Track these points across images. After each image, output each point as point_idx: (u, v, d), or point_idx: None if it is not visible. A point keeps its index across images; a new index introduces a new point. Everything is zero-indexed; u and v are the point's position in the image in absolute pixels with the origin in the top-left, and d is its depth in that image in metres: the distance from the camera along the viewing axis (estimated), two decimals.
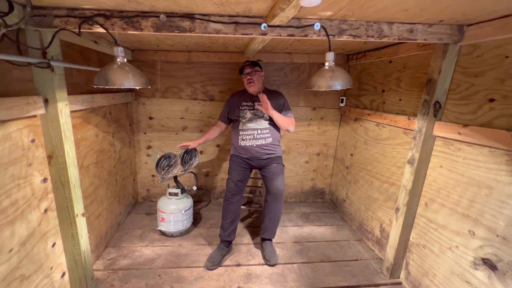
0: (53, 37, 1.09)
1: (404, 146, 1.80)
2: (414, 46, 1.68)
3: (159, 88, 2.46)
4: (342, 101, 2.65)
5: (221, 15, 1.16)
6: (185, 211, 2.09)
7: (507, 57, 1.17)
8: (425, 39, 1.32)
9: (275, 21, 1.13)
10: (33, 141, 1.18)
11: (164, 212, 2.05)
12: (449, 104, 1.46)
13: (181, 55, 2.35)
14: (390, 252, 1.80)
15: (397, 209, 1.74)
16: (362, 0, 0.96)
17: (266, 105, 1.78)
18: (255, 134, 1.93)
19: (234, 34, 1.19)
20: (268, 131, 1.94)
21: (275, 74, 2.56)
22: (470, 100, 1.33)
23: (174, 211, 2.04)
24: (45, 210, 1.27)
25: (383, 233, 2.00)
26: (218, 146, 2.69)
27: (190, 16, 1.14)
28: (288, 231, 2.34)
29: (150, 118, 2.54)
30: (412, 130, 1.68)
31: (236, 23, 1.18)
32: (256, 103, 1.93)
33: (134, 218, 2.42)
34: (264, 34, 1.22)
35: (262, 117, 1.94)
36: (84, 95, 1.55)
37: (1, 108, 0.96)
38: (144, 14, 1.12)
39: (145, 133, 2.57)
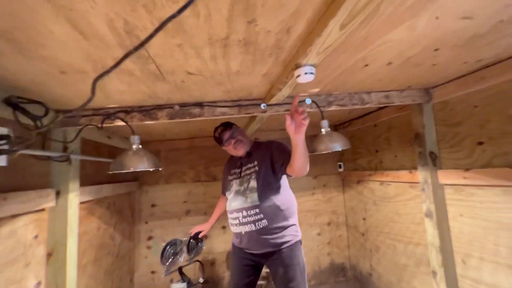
0: (79, 132, 1.21)
1: (415, 200, 1.77)
2: (393, 109, 1.92)
3: (163, 175, 2.52)
4: (340, 166, 2.75)
5: (226, 101, 1.35)
6: None
7: (476, 106, 1.35)
8: (401, 102, 1.54)
9: (273, 101, 1.32)
10: (36, 237, 1.11)
11: None
12: (443, 153, 1.55)
13: (184, 143, 2.54)
14: None
15: (434, 273, 1.54)
16: (343, 77, 1.18)
17: (299, 117, 1.03)
18: (240, 217, 1.41)
19: (239, 114, 1.36)
20: (258, 209, 1.36)
21: None
22: (460, 146, 1.44)
23: None
24: None
25: None
26: (224, 228, 2.55)
27: (199, 104, 1.32)
28: None
29: (153, 205, 2.48)
30: (417, 183, 1.70)
31: (239, 106, 1.36)
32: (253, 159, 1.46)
33: None
34: (264, 112, 1.39)
35: (247, 188, 1.41)
36: (92, 186, 1.57)
37: (15, 201, 0.95)
38: (160, 107, 1.30)
39: (146, 222, 2.45)
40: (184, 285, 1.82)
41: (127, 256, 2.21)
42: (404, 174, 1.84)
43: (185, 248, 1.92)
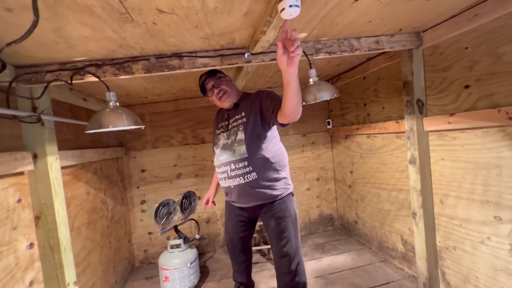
0: (45, 88, 1.11)
1: (401, 149, 1.83)
2: (381, 59, 1.86)
3: (149, 139, 2.46)
4: (328, 123, 2.75)
5: (207, 50, 1.25)
6: (190, 263, 1.87)
7: (466, 48, 1.31)
8: (391, 47, 1.47)
9: (257, 48, 1.23)
10: (19, 201, 1.08)
11: (167, 269, 1.82)
12: (430, 100, 1.55)
13: (168, 105, 2.43)
14: (421, 264, 1.64)
15: (414, 214, 1.66)
16: (331, 16, 1.09)
17: (291, 46, 0.84)
18: (228, 170, 1.36)
19: (221, 66, 1.27)
20: (247, 162, 1.31)
21: None
22: (447, 91, 1.43)
23: (178, 265, 1.82)
24: (31, 283, 1.09)
25: (406, 246, 1.86)
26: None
27: (178, 55, 1.22)
28: (306, 267, 2.11)
29: (143, 170, 2.46)
30: (404, 132, 1.73)
31: (222, 55, 1.26)
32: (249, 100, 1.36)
33: (132, 286, 2.12)
34: (249, 62, 1.31)
35: (235, 141, 1.35)
36: (74, 150, 1.51)
37: None
38: (135, 59, 1.18)
39: (138, 187, 2.45)
40: (181, 241, 1.90)
41: (122, 220, 2.25)
42: (390, 125, 1.86)
43: (178, 208, 1.96)
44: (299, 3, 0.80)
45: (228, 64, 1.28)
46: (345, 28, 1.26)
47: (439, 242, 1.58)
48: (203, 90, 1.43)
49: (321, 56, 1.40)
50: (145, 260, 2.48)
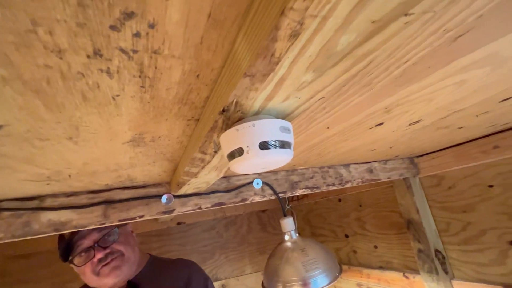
0: None
1: None
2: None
3: None
4: None
5: (71, 194, 0.57)
6: None
7: (491, 186, 0.94)
8: (388, 177, 1.05)
9: (186, 189, 0.62)
10: None
11: None
12: (452, 252, 1.06)
13: (48, 242, 1.47)
14: None
15: None
16: (328, 144, 0.59)
17: None
18: None
19: (103, 223, 0.58)
20: None
21: (205, 237, 1.88)
22: (480, 243, 0.96)
23: None
24: None
25: None
26: None
27: None
28: None
29: None
30: None
31: (108, 202, 0.59)
32: None
33: None
34: (169, 211, 0.66)
35: None
36: None
37: None
38: None
39: None
40: None
41: None
42: (395, 278, 1.27)
43: None
44: (290, 139, 0.24)
45: (120, 220, 0.60)
46: (336, 156, 0.78)
47: None
48: (66, 250, 0.74)
49: (299, 192, 0.86)
50: None
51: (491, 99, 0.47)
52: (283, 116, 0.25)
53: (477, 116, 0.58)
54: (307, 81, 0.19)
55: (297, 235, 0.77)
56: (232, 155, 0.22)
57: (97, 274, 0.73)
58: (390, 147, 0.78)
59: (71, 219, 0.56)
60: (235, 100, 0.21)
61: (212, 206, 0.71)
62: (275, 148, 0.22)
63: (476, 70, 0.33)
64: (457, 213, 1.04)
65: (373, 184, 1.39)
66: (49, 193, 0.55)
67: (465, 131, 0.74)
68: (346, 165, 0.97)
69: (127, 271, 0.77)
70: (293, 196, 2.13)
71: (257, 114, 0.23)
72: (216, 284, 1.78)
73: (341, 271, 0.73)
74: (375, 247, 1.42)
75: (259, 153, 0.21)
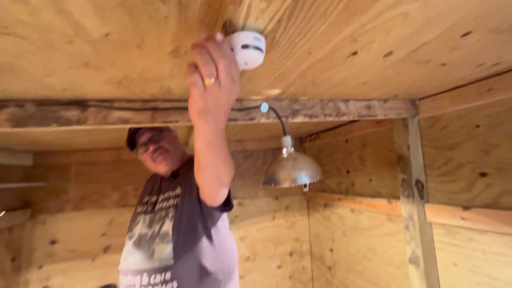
0: None
1: (395, 237, 1.43)
2: (368, 123, 1.59)
3: (72, 198, 1.84)
4: (305, 186, 2.36)
5: (130, 100, 0.82)
6: None
7: (477, 126, 1.04)
8: (385, 115, 1.18)
9: None
10: None
11: None
12: (431, 182, 1.23)
13: (106, 154, 1.90)
14: None
15: None
16: (315, 71, 0.74)
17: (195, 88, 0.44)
18: (136, 284, 0.84)
19: (151, 123, 0.84)
20: (170, 274, 0.82)
21: None
22: (455, 175, 1.12)
23: None
24: None
25: None
26: None
27: (79, 103, 0.77)
28: None
29: (53, 242, 1.77)
30: (399, 216, 1.36)
31: (154, 109, 0.84)
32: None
33: None
34: None
35: (157, 234, 0.89)
36: None
37: None
38: None
39: (40, 267, 1.73)
40: None
41: None
42: (381, 203, 1.50)
43: None
44: (261, 45, 0.42)
45: (164, 122, 0.85)
46: (332, 88, 0.93)
47: None
48: (132, 143, 1.04)
49: (299, 119, 1.04)
50: None
51: (449, 34, 0.58)
52: (260, 31, 0.42)
53: (449, 51, 0.67)
54: (264, 7, 0.35)
55: (292, 149, 0.99)
56: None
57: (154, 161, 1.01)
58: (380, 82, 0.90)
59: (131, 118, 0.83)
60: (228, 19, 0.38)
61: (228, 121, 0.94)
62: (251, 49, 0.40)
63: (408, 4, 0.45)
64: (443, 150, 1.17)
65: (377, 125, 1.52)
66: (117, 98, 0.80)
67: (451, 69, 0.83)
68: (346, 100, 1.11)
69: (172, 164, 1.03)
70: (306, 137, 2.34)
71: (242, 30, 0.40)
72: (234, 201, 2.19)
73: (321, 175, 0.96)
74: (370, 180, 1.63)
75: (241, 51, 0.40)
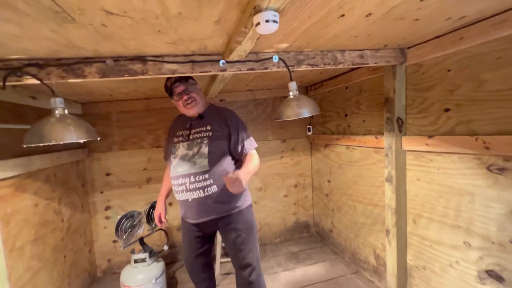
0: None
1: (378, 165, 1.80)
2: (365, 71, 1.81)
3: (116, 141, 2.25)
4: (309, 129, 2.70)
5: (176, 55, 1.10)
6: (156, 279, 1.74)
7: (449, 70, 1.28)
8: (375, 63, 1.41)
9: (233, 57, 1.10)
10: None
11: (129, 287, 1.67)
12: (410, 119, 1.52)
13: (139, 104, 2.23)
14: (390, 280, 1.65)
15: (388, 232, 1.65)
16: (315, 29, 0.98)
17: (233, 183, 1.13)
18: (187, 183, 1.29)
19: (192, 73, 1.13)
20: (207, 175, 1.28)
21: (239, 112, 2.54)
22: (427, 113, 1.40)
23: (142, 282, 1.68)
24: None
25: (378, 260, 1.87)
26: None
27: (141, 58, 1.06)
28: (279, 278, 2.07)
29: (108, 174, 2.25)
30: (382, 148, 1.70)
31: (193, 61, 1.12)
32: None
33: None
34: (224, 70, 1.17)
35: (197, 153, 1.30)
36: (17, 158, 1.30)
37: None
38: (87, 60, 1.01)
39: (102, 192, 2.24)
40: (146, 255, 1.76)
41: (82, 229, 2.05)
42: (370, 139, 1.83)
43: (144, 219, 1.81)
44: (277, 19, 0.68)
45: (200, 72, 1.14)
46: (329, 41, 1.16)
47: (410, 260, 1.58)
48: (170, 92, 1.36)
49: (303, 68, 1.30)
50: (109, 270, 2.30)
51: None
52: (277, 9, 0.68)
53: (416, 11, 0.90)
54: None
55: (297, 92, 1.27)
56: (257, 24, 0.68)
57: (185, 106, 1.35)
58: (369, 35, 1.12)
59: (177, 69, 1.11)
60: (257, 3, 0.64)
61: (247, 70, 1.21)
62: (270, 22, 0.66)
63: None
64: (421, 92, 1.43)
65: (372, 72, 1.74)
66: (167, 54, 1.08)
67: (424, 23, 1.04)
68: (342, 51, 1.34)
69: (198, 108, 1.37)
70: (311, 86, 2.57)
71: (265, 10, 0.66)
72: None
73: (319, 111, 1.27)
74: (363, 121, 1.93)
75: (264, 24, 0.66)
